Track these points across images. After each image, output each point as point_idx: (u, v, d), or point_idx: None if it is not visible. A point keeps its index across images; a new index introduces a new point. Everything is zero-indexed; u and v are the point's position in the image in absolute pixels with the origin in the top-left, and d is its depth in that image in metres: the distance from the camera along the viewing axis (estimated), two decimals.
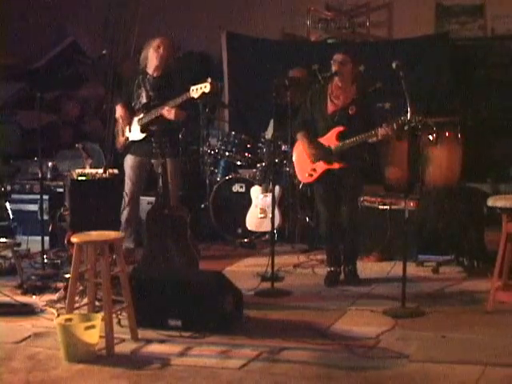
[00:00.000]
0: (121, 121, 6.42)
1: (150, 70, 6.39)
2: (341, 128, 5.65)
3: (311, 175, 5.83)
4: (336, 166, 5.68)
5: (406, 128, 5.26)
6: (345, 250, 5.90)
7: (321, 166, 5.76)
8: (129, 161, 6.45)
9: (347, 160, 5.66)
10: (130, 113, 6.40)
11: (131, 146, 6.43)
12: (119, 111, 6.43)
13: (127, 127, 6.40)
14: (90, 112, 9.57)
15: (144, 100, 6.35)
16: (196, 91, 5.90)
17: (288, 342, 4.48)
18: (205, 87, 5.86)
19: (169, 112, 6.09)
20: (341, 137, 5.65)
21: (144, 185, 6.57)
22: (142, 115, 6.29)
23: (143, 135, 6.25)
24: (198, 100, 6.09)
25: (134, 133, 6.35)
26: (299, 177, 6.10)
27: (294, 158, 6.04)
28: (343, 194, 5.77)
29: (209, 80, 5.84)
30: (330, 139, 5.70)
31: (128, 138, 6.41)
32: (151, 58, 6.37)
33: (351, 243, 5.87)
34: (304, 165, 5.87)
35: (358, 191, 6.00)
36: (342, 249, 5.91)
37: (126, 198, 6.36)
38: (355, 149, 5.64)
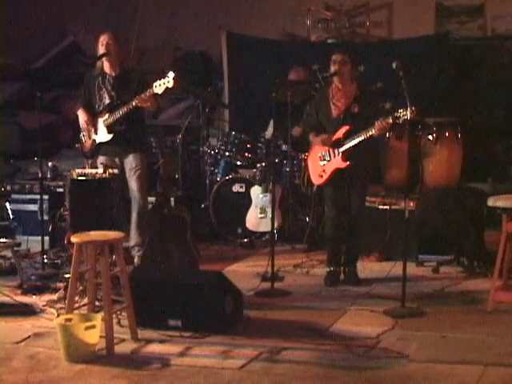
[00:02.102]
0: (86, 126, 6.35)
1: (108, 69, 6.31)
2: (347, 127, 5.64)
3: (321, 176, 5.83)
4: (344, 164, 5.67)
5: (401, 121, 5.27)
6: (347, 250, 5.90)
7: (330, 167, 5.76)
8: (103, 161, 6.36)
9: (355, 159, 5.66)
10: (93, 115, 6.35)
11: (100, 148, 6.34)
12: (82, 116, 6.34)
13: (93, 130, 6.34)
14: None
15: (107, 100, 6.26)
16: (159, 87, 5.83)
17: (288, 342, 4.48)
18: (168, 82, 5.78)
19: (144, 101, 5.97)
20: (348, 136, 5.64)
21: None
22: (106, 116, 6.20)
23: (111, 136, 6.22)
24: (162, 95, 6.03)
25: (101, 134, 6.27)
26: (313, 180, 6.08)
27: (309, 165, 6.05)
28: (351, 193, 5.77)
29: (171, 74, 5.80)
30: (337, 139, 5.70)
31: (95, 141, 6.35)
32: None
33: (354, 243, 5.87)
34: (315, 167, 5.90)
35: (366, 190, 5.98)
36: (344, 249, 5.91)
37: None
38: (362, 147, 5.63)
